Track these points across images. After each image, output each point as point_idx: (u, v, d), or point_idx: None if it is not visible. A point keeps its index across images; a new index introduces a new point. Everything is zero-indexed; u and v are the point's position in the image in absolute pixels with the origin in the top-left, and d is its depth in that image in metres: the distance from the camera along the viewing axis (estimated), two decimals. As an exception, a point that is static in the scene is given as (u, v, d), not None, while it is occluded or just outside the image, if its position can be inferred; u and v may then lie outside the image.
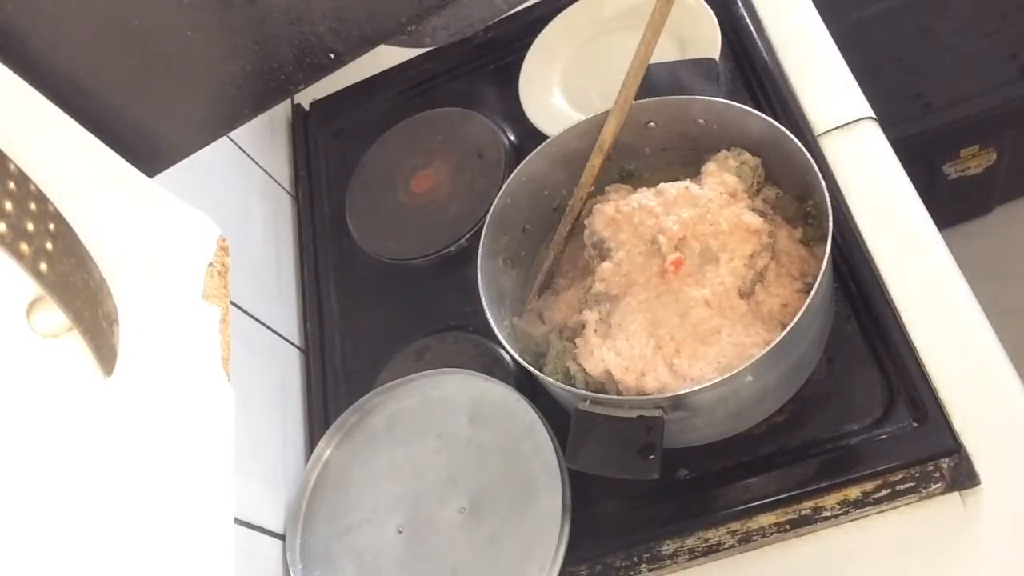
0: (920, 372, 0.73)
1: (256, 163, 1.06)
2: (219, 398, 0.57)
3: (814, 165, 0.70)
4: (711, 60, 0.90)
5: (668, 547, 0.75)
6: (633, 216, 0.76)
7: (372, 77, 1.15)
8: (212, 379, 0.57)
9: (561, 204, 0.85)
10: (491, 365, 0.89)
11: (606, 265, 0.78)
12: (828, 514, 0.72)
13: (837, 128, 0.88)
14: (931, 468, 0.70)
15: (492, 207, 0.80)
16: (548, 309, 0.82)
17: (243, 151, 1.03)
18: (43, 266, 0.40)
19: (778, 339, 0.64)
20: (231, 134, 0.85)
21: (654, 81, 0.78)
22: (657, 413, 0.67)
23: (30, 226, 0.40)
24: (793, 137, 0.72)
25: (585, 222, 0.82)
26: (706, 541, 0.74)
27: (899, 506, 0.71)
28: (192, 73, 0.52)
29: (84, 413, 0.46)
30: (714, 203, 0.73)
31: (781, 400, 0.76)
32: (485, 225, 0.79)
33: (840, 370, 0.77)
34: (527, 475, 0.78)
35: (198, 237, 0.60)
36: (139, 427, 0.49)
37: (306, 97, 1.18)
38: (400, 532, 0.81)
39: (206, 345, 0.57)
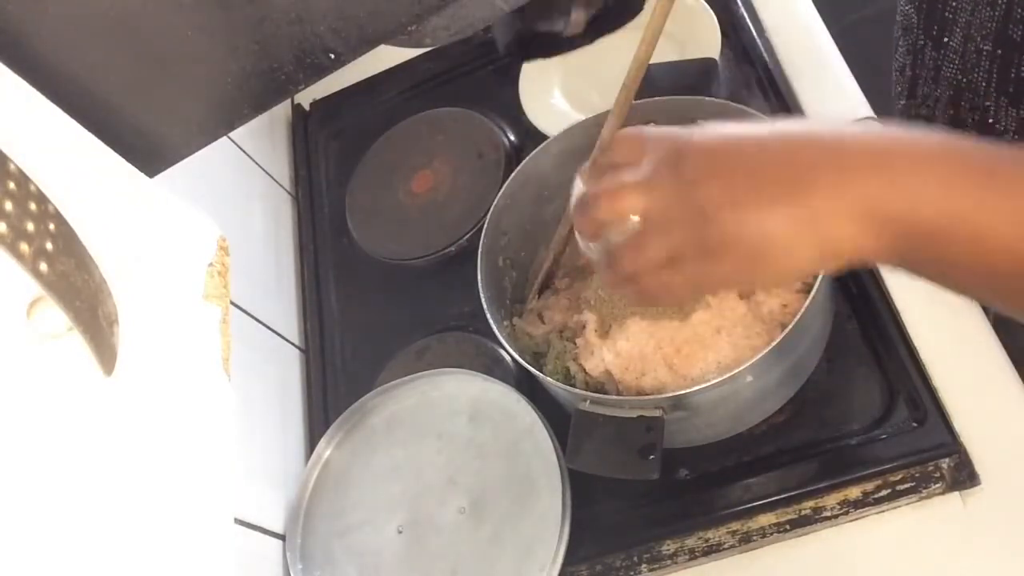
0: (920, 372, 0.73)
1: (256, 163, 1.06)
2: (219, 398, 0.57)
3: (814, 165, 0.70)
4: (711, 60, 0.90)
5: (668, 547, 0.75)
6: (633, 216, 0.76)
7: (372, 77, 1.15)
8: (212, 379, 0.57)
9: (562, 204, 0.85)
10: (491, 365, 0.89)
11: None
12: (828, 514, 0.72)
13: (837, 128, 0.87)
14: (931, 468, 0.70)
15: (492, 207, 0.80)
16: (548, 309, 0.82)
17: (243, 151, 1.03)
18: (43, 266, 0.40)
19: (778, 339, 0.64)
20: (231, 134, 0.84)
21: (654, 81, 0.78)
22: (657, 413, 0.67)
23: (30, 226, 0.40)
24: (793, 137, 0.72)
25: (585, 222, 0.82)
26: (706, 541, 0.74)
27: (899, 506, 0.71)
28: (192, 73, 0.52)
29: (84, 413, 0.46)
30: (714, 203, 0.73)
31: (781, 400, 0.76)
32: (485, 225, 0.79)
33: (840, 370, 0.77)
34: (527, 475, 0.78)
35: (198, 237, 0.60)
36: (139, 427, 0.49)
37: (306, 97, 1.18)
38: (400, 532, 0.81)
39: (206, 345, 0.57)
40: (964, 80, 0.67)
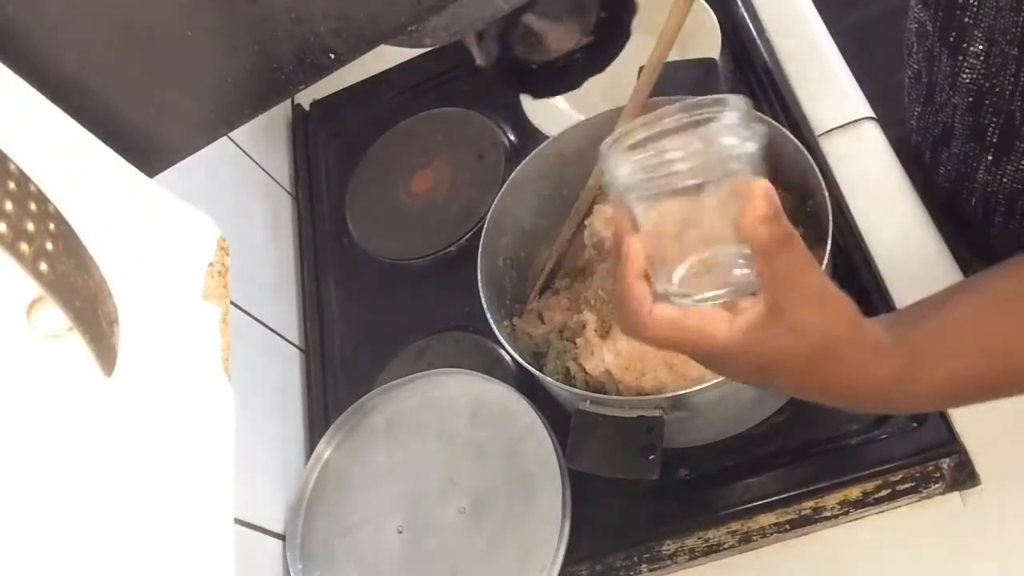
0: (920, 372, 0.73)
1: (256, 163, 1.06)
2: (219, 398, 0.57)
3: (814, 165, 0.70)
4: (711, 60, 0.90)
5: (668, 547, 0.75)
6: (633, 216, 0.75)
7: (372, 77, 1.15)
8: (212, 379, 0.57)
9: (562, 204, 0.85)
10: (491, 365, 0.89)
11: (605, 265, 0.78)
12: (828, 514, 0.72)
13: (837, 128, 0.88)
14: (931, 468, 0.70)
15: (492, 207, 0.80)
16: (548, 309, 0.82)
17: (243, 151, 1.03)
18: (43, 266, 0.40)
19: (778, 339, 0.64)
20: (231, 134, 0.84)
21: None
22: (657, 413, 0.67)
23: (30, 226, 0.40)
24: (793, 137, 0.72)
25: (586, 222, 0.82)
26: (706, 541, 0.74)
27: (899, 506, 0.71)
28: (192, 73, 0.52)
29: (84, 413, 0.46)
30: (714, 203, 0.73)
31: (781, 400, 0.76)
32: (485, 225, 0.79)
33: (840, 370, 0.76)
34: (527, 475, 0.78)
35: (198, 237, 0.60)
36: (139, 427, 0.49)
37: (306, 97, 1.18)
38: (400, 532, 0.81)
39: (206, 345, 0.57)
40: (987, 85, 0.67)
